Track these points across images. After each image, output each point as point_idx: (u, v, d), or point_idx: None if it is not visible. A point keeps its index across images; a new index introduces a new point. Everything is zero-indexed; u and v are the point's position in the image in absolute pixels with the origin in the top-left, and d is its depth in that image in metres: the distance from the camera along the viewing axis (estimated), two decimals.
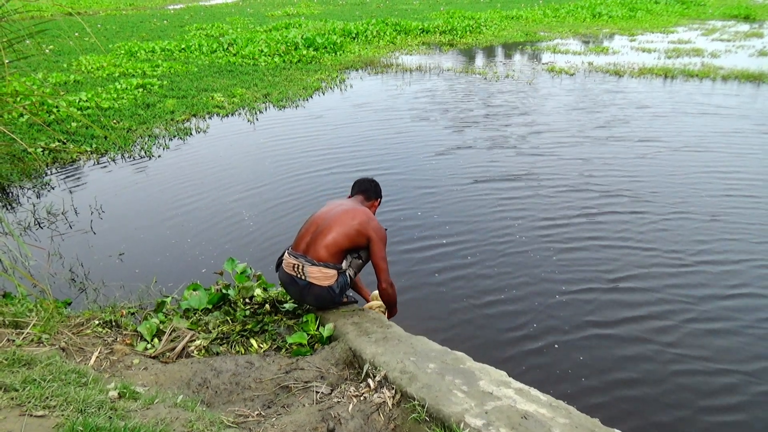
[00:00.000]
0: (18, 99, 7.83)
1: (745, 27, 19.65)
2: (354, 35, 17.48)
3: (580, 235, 4.92)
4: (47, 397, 1.86)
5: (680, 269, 4.36)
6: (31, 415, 1.73)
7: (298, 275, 3.15)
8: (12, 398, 1.82)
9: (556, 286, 4.16)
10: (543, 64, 13.36)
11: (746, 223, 5.09)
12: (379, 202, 3.57)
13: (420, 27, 18.84)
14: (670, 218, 5.21)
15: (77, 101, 9.01)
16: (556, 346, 3.48)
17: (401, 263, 4.47)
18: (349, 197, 3.50)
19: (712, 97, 9.92)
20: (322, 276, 3.12)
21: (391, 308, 3.45)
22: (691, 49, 14.65)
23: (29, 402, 1.81)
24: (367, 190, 3.49)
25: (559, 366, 3.34)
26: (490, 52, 15.73)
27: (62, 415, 1.76)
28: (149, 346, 3.06)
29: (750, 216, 5.23)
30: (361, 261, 3.29)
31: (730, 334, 3.59)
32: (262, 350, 3.11)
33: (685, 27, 20.01)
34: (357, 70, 13.18)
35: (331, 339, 3.10)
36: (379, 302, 3.48)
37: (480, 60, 14.50)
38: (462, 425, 2.03)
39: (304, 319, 3.29)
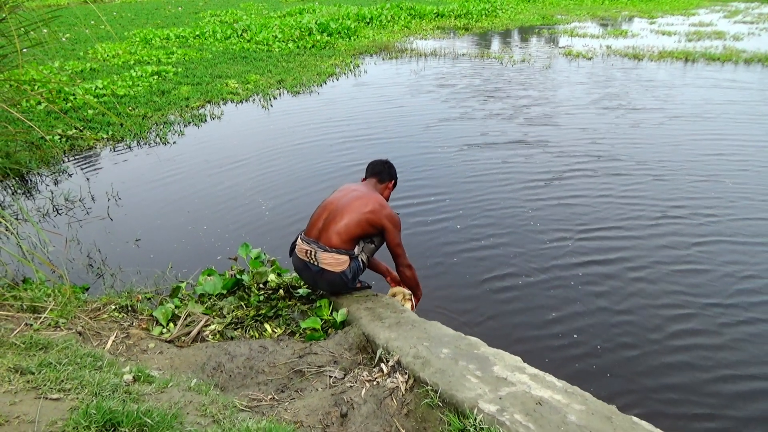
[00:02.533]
0: (35, 87, 7.92)
1: None
2: (368, 20, 17.36)
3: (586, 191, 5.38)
4: (63, 381, 1.88)
5: (659, 220, 4.81)
6: (46, 398, 1.75)
7: (311, 261, 3.15)
8: (28, 381, 1.84)
9: (539, 236, 4.57)
10: (560, 47, 13.15)
11: (734, 183, 5.53)
12: (394, 184, 3.49)
13: (435, 11, 18.64)
14: (659, 177, 5.68)
15: (93, 89, 9.07)
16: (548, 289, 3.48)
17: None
18: (363, 180, 3.47)
19: (724, 73, 9.79)
20: (334, 262, 3.11)
21: (414, 290, 3.40)
22: (712, 32, 14.33)
23: (45, 385, 1.83)
24: (381, 172, 3.42)
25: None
26: (506, 36, 15.52)
27: (77, 398, 1.77)
28: (164, 330, 3.08)
29: (738, 177, 5.67)
30: (373, 246, 3.27)
31: (696, 274, 4.00)
32: (276, 335, 3.11)
33: (707, 9, 19.56)
34: (371, 55, 13.09)
35: (344, 324, 3.10)
36: (402, 290, 3.44)
37: (496, 44, 14.31)
38: (476, 411, 2.01)
39: (318, 305, 3.29)
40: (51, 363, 2.00)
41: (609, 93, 8.94)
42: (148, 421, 1.58)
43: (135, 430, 1.56)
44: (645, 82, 9.60)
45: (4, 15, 3.62)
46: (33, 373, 1.90)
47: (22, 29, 3.84)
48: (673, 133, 6.94)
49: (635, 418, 2.03)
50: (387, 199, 3.42)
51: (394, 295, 3.41)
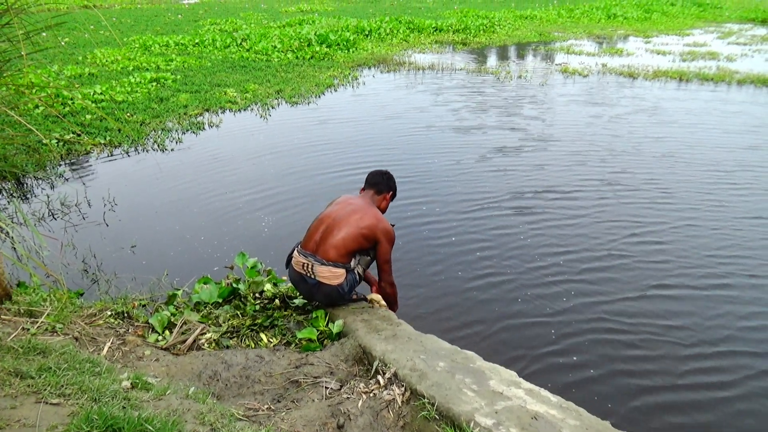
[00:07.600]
0: (34, 90, 7.91)
1: (762, 31, 19.47)
2: (367, 32, 17.47)
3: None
4: (62, 385, 1.88)
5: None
6: (46, 403, 1.75)
7: (308, 274, 3.16)
8: (28, 385, 1.84)
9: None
10: (556, 64, 13.30)
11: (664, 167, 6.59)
12: (392, 194, 3.51)
13: (433, 25, 18.80)
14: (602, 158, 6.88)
15: (92, 94, 9.08)
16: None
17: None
18: (363, 190, 3.49)
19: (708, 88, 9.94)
20: (331, 275, 3.13)
21: (391, 305, 3.46)
22: (706, 52, 14.53)
23: (45, 389, 1.84)
24: (378, 183, 3.43)
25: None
26: (503, 51, 15.67)
27: (77, 403, 1.78)
28: (160, 338, 3.08)
29: (668, 164, 6.70)
30: (369, 258, 3.30)
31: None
32: (272, 345, 3.12)
33: (701, 30, 19.84)
34: (370, 67, 13.18)
35: (340, 335, 3.11)
36: (380, 299, 3.47)
37: (493, 60, 14.45)
38: (472, 424, 2.03)
39: (314, 315, 3.30)
40: (50, 368, 2.00)
41: (589, 94, 10.31)
42: (149, 427, 1.59)
43: None
44: (630, 93, 10.52)
45: (9, 19, 3.64)
46: (33, 378, 1.90)
47: (23, 33, 3.85)
48: (628, 127, 8.24)
49: None
50: (385, 210, 3.46)
51: (371, 300, 3.44)
